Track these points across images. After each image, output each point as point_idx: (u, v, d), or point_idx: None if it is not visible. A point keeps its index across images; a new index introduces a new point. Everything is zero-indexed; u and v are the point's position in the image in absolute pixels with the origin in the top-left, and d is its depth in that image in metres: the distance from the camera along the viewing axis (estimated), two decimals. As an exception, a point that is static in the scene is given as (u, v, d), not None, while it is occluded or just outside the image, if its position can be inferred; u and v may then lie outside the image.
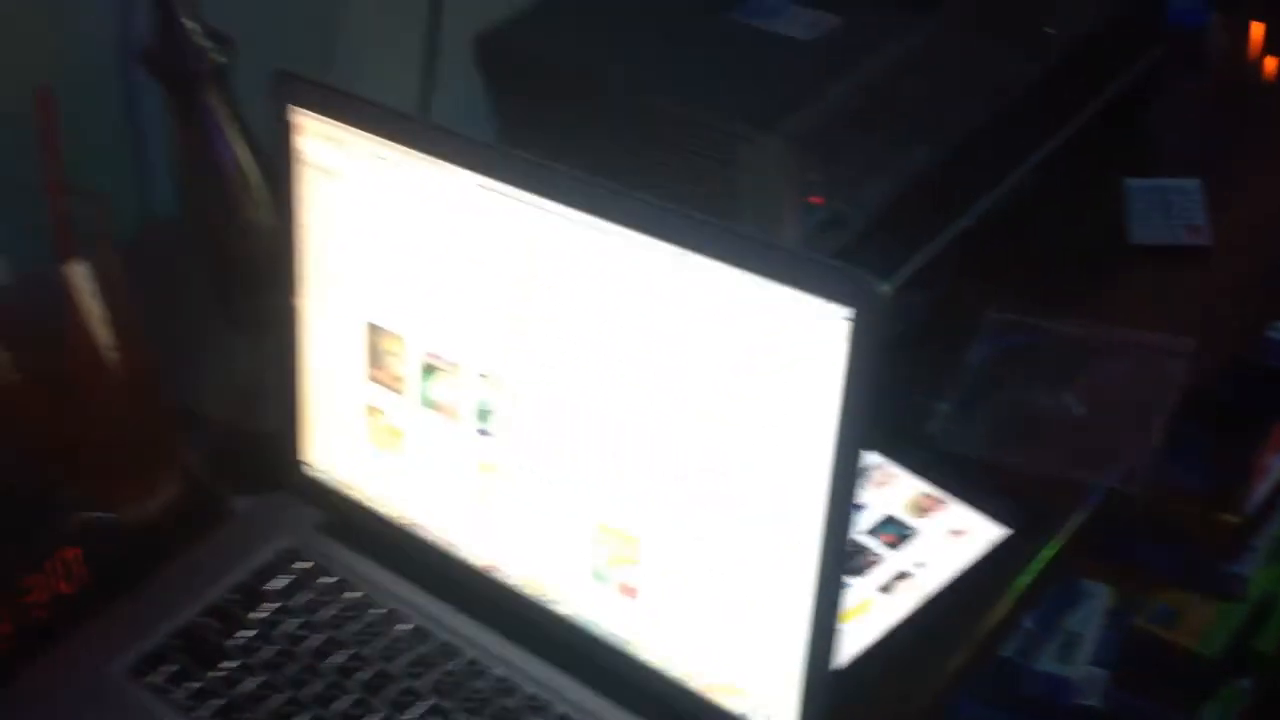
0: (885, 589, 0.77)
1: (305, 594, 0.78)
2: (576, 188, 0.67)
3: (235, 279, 0.91)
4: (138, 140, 0.89)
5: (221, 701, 0.73)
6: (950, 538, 0.79)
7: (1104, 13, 1.03)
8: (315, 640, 0.75)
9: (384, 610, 0.77)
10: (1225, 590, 1.30)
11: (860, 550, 0.79)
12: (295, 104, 0.75)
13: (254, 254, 0.89)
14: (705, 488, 0.66)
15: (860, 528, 0.80)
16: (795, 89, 0.88)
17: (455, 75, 1.06)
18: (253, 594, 0.78)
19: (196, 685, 0.73)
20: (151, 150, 0.92)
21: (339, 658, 0.74)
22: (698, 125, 0.84)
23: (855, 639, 0.74)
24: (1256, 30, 1.24)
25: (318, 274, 0.78)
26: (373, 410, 0.79)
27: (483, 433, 0.74)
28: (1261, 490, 1.26)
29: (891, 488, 0.82)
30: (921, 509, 0.81)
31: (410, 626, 0.76)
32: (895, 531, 0.80)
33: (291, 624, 0.76)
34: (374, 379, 0.78)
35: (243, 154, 0.87)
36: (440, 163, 0.71)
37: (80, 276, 0.77)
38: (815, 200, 0.82)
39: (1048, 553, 0.81)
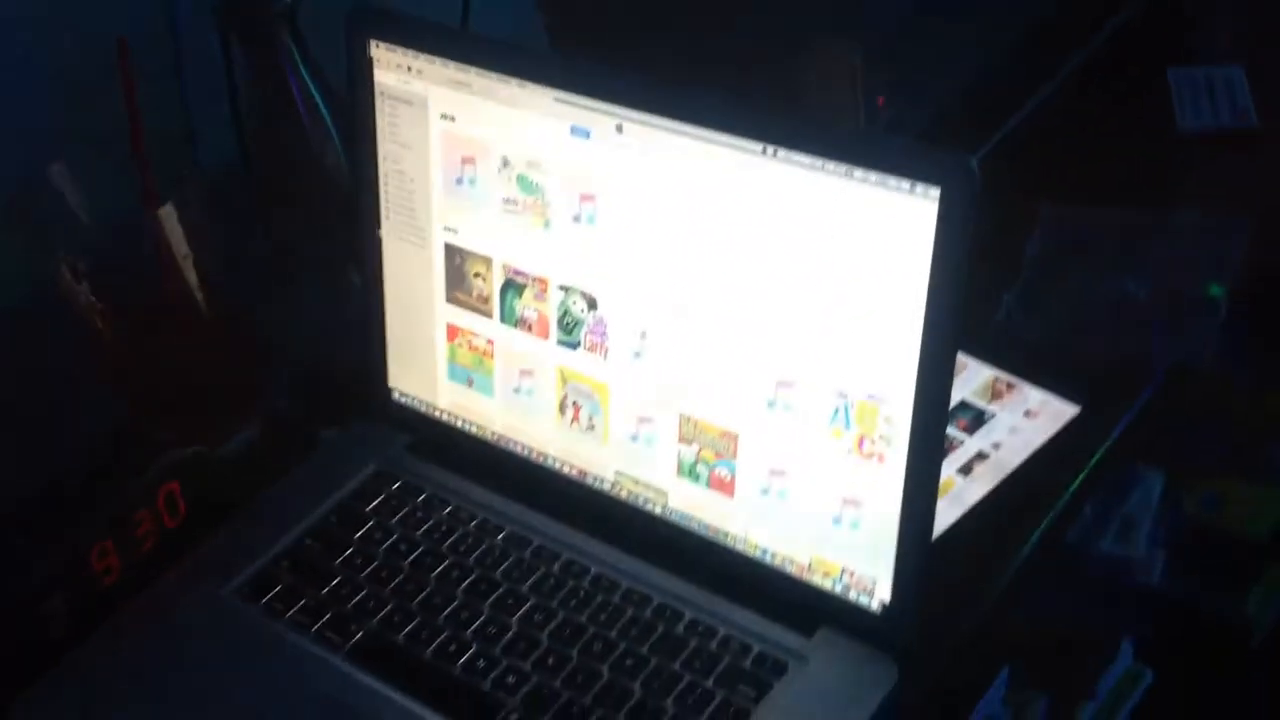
0: (965, 470, 0.80)
1: (400, 511, 0.81)
2: (655, 92, 0.68)
3: (313, 217, 0.93)
4: (214, 86, 0.91)
5: (331, 615, 0.75)
6: (1023, 419, 0.82)
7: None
8: (414, 553, 0.78)
9: (478, 521, 0.80)
10: (1271, 475, 1.31)
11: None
12: (375, 37, 0.77)
13: (330, 192, 0.90)
14: (800, 378, 0.69)
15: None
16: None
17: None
18: (350, 514, 0.81)
19: (306, 602, 0.76)
20: (214, 100, 0.94)
21: (439, 568, 0.77)
22: (765, 30, 0.86)
23: (940, 519, 0.76)
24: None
25: (399, 204, 0.80)
26: (457, 331, 0.81)
27: (567, 344, 0.76)
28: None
29: (963, 375, 0.85)
30: (994, 393, 0.83)
31: (504, 535, 0.79)
32: (970, 416, 0.82)
33: (390, 539, 0.79)
34: (456, 300, 0.80)
35: (317, 95, 0.89)
36: (518, 81, 0.73)
37: (168, 219, 0.80)
38: (879, 102, 0.84)
39: (1114, 431, 0.83)
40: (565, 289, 0.75)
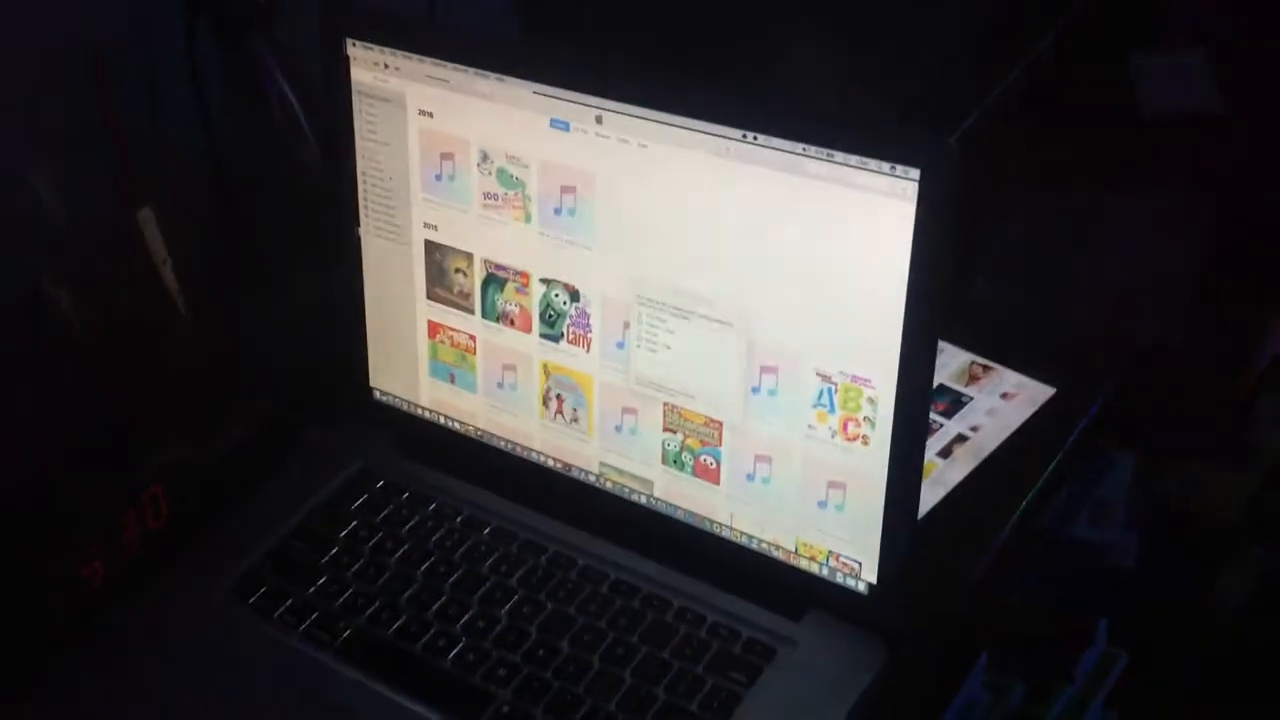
0: (944, 453, 0.81)
1: (385, 509, 0.81)
2: (635, 83, 0.69)
3: (291, 218, 0.93)
4: (190, 89, 0.90)
5: (319, 614, 0.75)
6: (1000, 401, 0.83)
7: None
8: (401, 550, 0.78)
9: (463, 516, 0.80)
10: (1241, 457, 1.33)
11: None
12: (352, 37, 0.77)
13: (308, 191, 0.90)
14: (783, 363, 0.69)
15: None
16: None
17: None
18: (335, 514, 0.81)
19: (293, 602, 0.76)
20: (206, 97, 0.94)
21: (426, 564, 0.77)
22: (737, 20, 0.86)
23: (922, 502, 0.77)
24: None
25: (378, 201, 0.81)
26: (438, 328, 0.81)
27: (549, 337, 0.77)
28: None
29: (941, 359, 0.85)
30: (971, 377, 0.84)
31: (491, 529, 0.79)
32: (948, 399, 0.83)
33: (376, 537, 0.79)
34: (437, 297, 0.80)
35: (292, 95, 0.89)
36: (496, 75, 0.73)
37: (146, 223, 0.79)
38: (852, 92, 0.85)
39: (1089, 412, 0.84)
40: (547, 282, 0.76)
